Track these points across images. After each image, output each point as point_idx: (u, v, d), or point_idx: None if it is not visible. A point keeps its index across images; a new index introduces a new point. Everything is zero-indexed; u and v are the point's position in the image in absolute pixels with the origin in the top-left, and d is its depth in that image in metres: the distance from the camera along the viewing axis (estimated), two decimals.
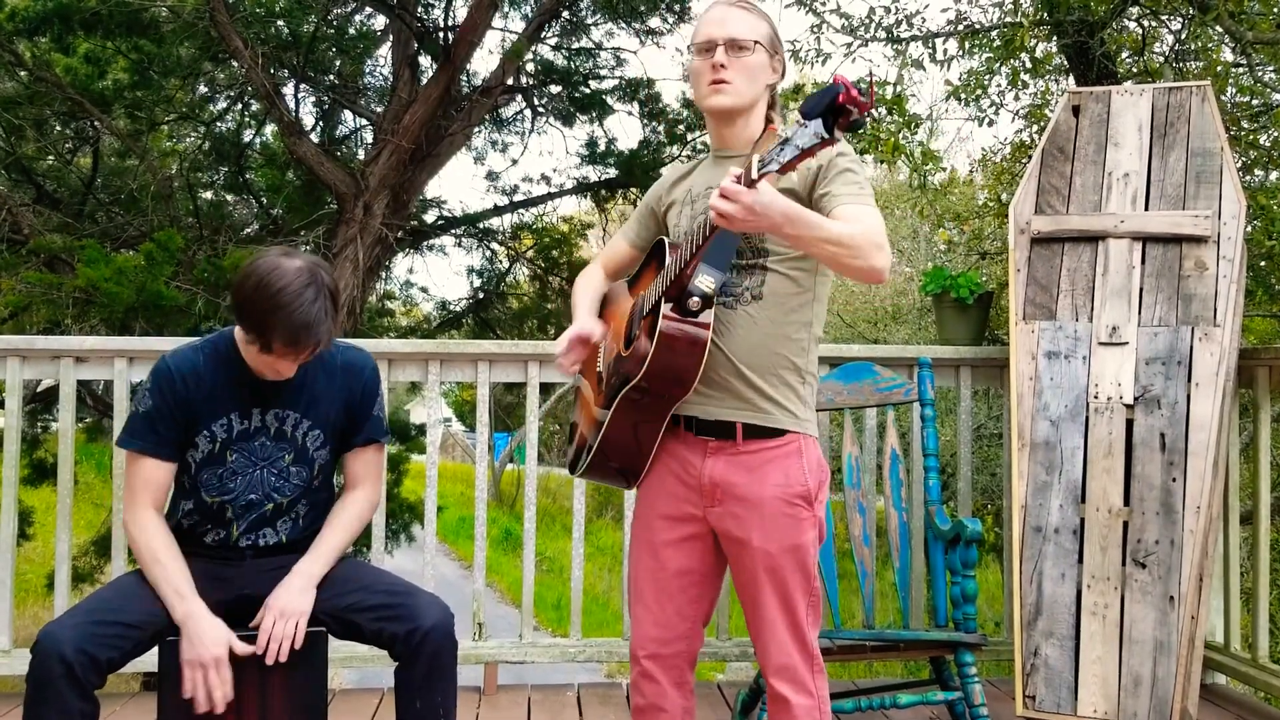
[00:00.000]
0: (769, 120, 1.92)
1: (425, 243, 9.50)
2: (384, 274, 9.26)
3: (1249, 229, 4.60)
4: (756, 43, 1.87)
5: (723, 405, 1.86)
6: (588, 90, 8.65)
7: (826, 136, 1.42)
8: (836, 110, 1.39)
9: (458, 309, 10.14)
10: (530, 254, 9.80)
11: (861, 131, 5.58)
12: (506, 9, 8.44)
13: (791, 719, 1.87)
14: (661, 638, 1.93)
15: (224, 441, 2.06)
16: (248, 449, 2.08)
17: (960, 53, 5.92)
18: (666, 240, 1.88)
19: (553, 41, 8.77)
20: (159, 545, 2.00)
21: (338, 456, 2.23)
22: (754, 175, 1.49)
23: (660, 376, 1.77)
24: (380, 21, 8.46)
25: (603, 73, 8.82)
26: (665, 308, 1.74)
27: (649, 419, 1.88)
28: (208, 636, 1.92)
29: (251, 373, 2.05)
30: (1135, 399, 2.93)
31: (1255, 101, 5.66)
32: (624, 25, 8.64)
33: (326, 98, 8.42)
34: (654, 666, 1.94)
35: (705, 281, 1.72)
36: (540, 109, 8.96)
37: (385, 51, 8.64)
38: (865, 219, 1.70)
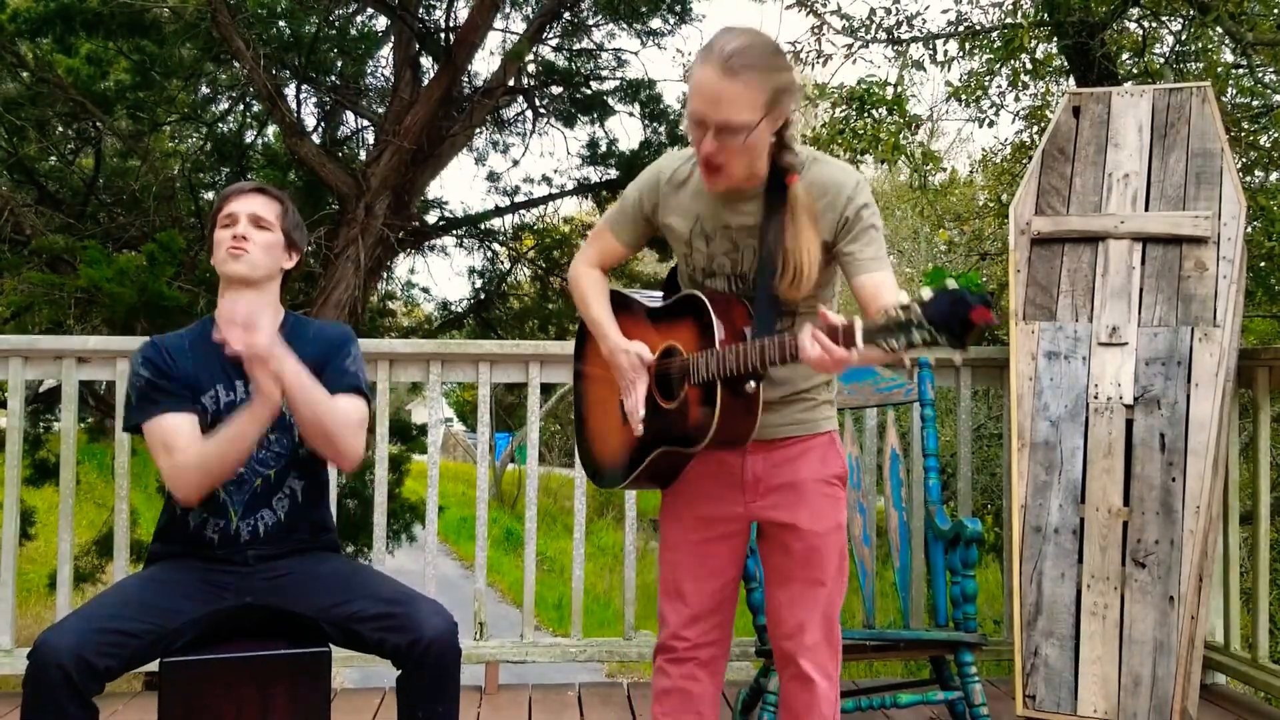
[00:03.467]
0: (789, 170, 1.80)
1: (427, 243, 9.50)
2: (385, 274, 9.28)
3: (1249, 230, 4.60)
4: (749, 124, 1.71)
5: (762, 427, 1.89)
6: (589, 91, 8.66)
7: (957, 348, 1.42)
8: (966, 324, 1.38)
9: (459, 309, 10.15)
10: (531, 254, 9.82)
11: (862, 132, 5.59)
12: (508, 10, 8.45)
13: (814, 700, 1.91)
14: (700, 640, 1.98)
15: (214, 414, 2.08)
16: None
17: (961, 54, 5.93)
18: (711, 308, 1.81)
19: (554, 42, 8.79)
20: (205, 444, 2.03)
21: None
22: (857, 341, 1.52)
23: (717, 442, 1.83)
24: (382, 23, 8.46)
25: (604, 74, 8.84)
26: (721, 388, 1.77)
27: (691, 459, 1.95)
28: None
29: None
30: (1135, 399, 2.94)
31: (1255, 102, 5.68)
32: (625, 26, 8.64)
33: (328, 99, 8.42)
34: (688, 656, 1.99)
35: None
36: (541, 110, 8.97)
37: (387, 53, 8.64)
38: (886, 296, 1.75)
